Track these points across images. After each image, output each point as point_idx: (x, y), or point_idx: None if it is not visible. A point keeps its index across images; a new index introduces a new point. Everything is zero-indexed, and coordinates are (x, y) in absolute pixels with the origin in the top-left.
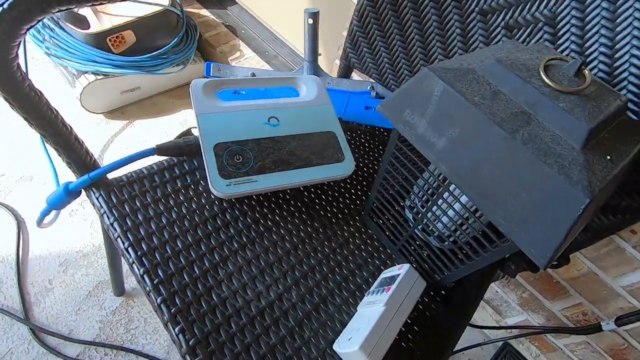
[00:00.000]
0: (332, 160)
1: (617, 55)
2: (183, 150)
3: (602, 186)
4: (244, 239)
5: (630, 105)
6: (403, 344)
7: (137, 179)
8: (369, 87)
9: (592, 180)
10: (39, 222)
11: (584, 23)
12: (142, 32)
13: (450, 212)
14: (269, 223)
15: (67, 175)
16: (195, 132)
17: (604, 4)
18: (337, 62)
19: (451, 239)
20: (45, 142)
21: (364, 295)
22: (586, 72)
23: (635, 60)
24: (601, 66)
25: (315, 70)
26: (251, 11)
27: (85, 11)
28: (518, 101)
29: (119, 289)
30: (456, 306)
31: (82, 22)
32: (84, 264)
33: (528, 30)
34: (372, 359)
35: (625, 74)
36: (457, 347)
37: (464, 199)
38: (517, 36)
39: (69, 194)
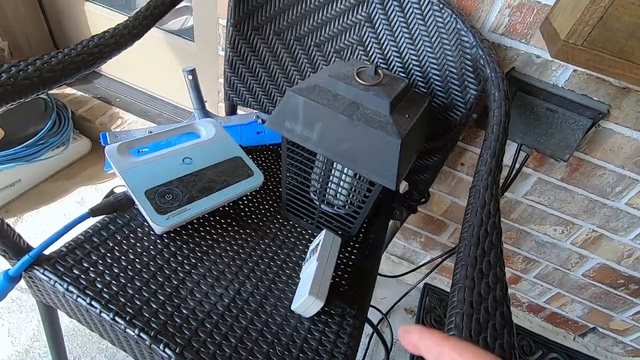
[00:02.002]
0: (244, 177)
1: (403, 55)
2: (115, 206)
3: (407, 131)
4: (193, 260)
5: (419, 84)
6: (340, 289)
7: (77, 245)
8: (254, 117)
9: (400, 129)
10: None
11: (378, 39)
12: (10, 124)
13: (342, 185)
14: (209, 242)
15: None
16: (117, 190)
17: (385, 28)
18: (221, 104)
19: (348, 202)
20: None
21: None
22: (380, 71)
23: (413, 58)
24: (397, 64)
25: (206, 115)
26: (121, 79)
27: None
28: (348, 97)
29: None
30: (367, 251)
31: None
32: None
33: (350, 50)
34: (320, 298)
35: (411, 66)
36: (391, 303)
37: (344, 175)
38: (344, 55)
39: (10, 280)
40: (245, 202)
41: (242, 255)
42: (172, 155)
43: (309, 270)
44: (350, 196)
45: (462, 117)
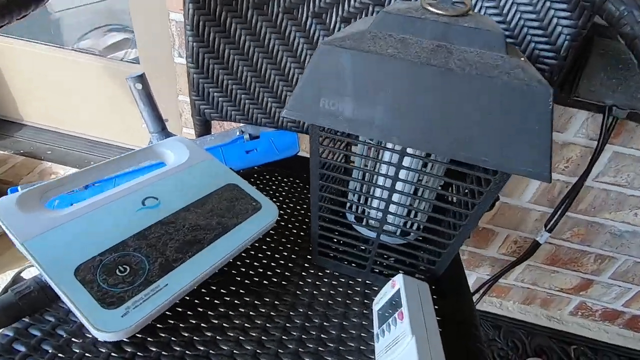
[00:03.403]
0: (249, 212)
1: None
2: (21, 308)
3: (541, 78)
4: None
5: None
6: None
7: None
8: (238, 133)
9: (536, 75)
10: None
11: None
12: None
13: (423, 195)
14: (208, 334)
15: None
16: (26, 274)
17: None
18: (186, 129)
19: (414, 227)
20: None
21: (373, 344)
22: None
23: None
24: None
25: (167, 137)
26: (49, 127)
27: None
28: (427, 38)
29: None
30: (452, 293)
31: None
32: None
33: (363, 15)
34: None
35: None
36: None
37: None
38: None
39: None
40: (251, 251)
41: (273, 332)
42: (123, 197)
43: (400, 352)
44: (421, 209)
45: (553, 70)
